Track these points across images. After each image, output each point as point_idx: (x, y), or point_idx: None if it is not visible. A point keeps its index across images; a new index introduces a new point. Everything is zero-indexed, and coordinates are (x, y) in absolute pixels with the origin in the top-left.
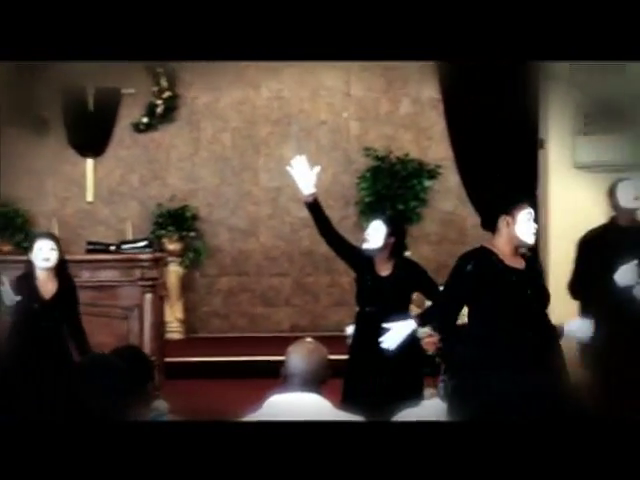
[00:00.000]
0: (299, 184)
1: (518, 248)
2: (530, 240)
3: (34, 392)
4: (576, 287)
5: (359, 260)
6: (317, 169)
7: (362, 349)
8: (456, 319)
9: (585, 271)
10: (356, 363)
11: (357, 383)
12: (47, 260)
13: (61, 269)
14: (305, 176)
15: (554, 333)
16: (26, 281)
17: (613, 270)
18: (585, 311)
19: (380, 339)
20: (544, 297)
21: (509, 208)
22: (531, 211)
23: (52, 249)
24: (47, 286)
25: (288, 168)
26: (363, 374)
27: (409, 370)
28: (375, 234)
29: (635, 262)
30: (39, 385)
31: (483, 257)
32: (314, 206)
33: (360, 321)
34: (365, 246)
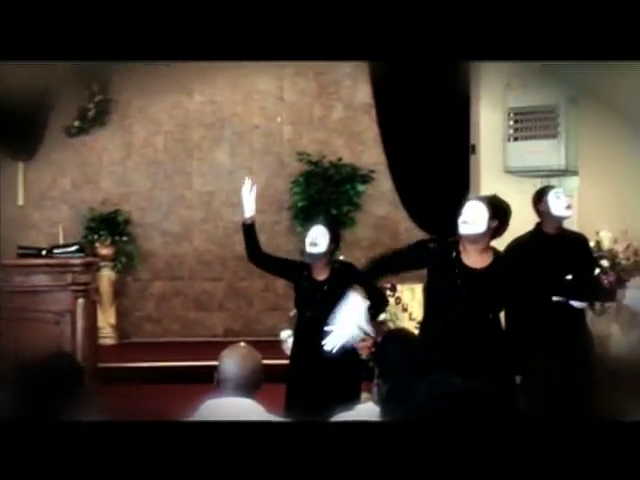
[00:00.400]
0: (244, 205)
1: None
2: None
3: None
4: None
5: (293, 269)
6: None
7: (303, 354)
8: (385, 273)
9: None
10: (297, 368)
11: (298, 388)
12: None
13: None
14: (249, 199)
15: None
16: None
17: (541, 278)
18: (510, 319)
19: (323, 342)
20: (484, 304)
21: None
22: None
23: None
24: None
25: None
26: (303, 379)
27: (347, 375)
28: (322, 239)
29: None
30: None
31: (447, 247)
32: (250, 229)
33: (300, 326)
34: (314, 251)
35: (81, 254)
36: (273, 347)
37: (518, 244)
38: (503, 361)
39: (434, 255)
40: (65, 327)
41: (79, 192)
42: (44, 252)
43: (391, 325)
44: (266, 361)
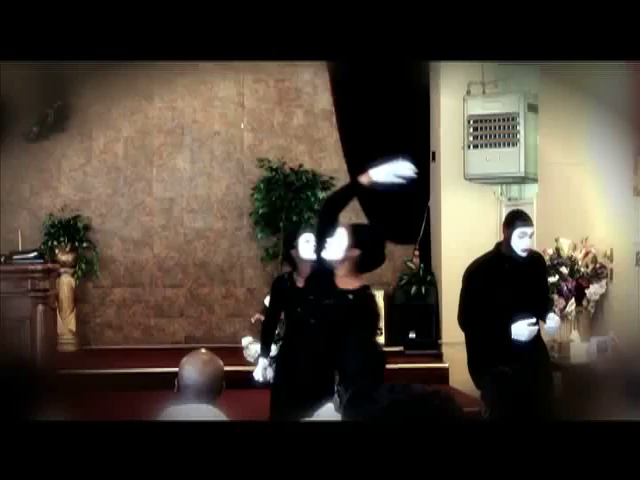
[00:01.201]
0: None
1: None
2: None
3: None
4: (463, 319)
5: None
6: None
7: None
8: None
9: (471, 303)
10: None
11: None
12: None
13: None
14: None
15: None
16: None
17: (498, 300)
18: (471, 341)
19: None
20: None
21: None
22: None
23: None
24: None
25: None
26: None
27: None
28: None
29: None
30: None
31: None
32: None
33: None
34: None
35: (40, 260)
36: (234, 354)
37: (474, 267)
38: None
39: None
40: (24, 334)
41: (38, 198)
42: (3, 259)
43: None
44: (227, 367)
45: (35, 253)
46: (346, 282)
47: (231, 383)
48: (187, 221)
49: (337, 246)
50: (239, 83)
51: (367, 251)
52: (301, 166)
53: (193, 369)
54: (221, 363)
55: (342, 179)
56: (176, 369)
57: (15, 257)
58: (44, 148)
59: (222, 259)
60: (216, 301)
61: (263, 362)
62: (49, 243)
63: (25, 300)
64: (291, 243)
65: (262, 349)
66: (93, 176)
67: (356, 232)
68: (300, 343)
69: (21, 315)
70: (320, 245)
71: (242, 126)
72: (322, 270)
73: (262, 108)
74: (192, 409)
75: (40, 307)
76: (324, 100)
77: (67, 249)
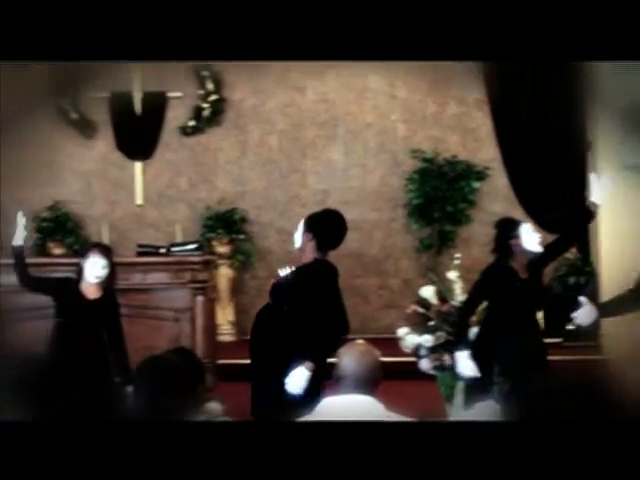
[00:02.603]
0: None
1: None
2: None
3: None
4: None
5: None
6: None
7: None
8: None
9: None
10: None
11: None
12: (98, 278)
13: (108, 279)
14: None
15: None
16: (71, 283)
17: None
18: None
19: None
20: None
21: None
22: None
23: (103, 267)
24: (90, 289)
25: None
26: None
27: None
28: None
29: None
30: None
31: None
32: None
33: None
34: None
35: (199, 252)
36: (390, 344)
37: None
38: None
39: None
40: (185, 324)
41: (195, 191)
42: (163, 250)
43: None
44: (383, 358)
45: (194, 245)
46: None
47: (387, 374)
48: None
49: (297, 236)
50: (391, 74)
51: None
52: (455, 156)
53: (351, 360)
54: (378, 354)
55: (497, 169)
56: (333, 360)
57: (174, 249)
58: (200, 142)
59: (377, 250)
60: (371, 292)
61: (465, 354)
62: (207, 235)
63: (185, 291)
64: (510, 233)
65: (461, 339)
66: (249, 169)
67: (307, 220)
68: (528, 334)
69: (181, 306)
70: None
71: (394, 117)
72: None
73: (414, 99)
74: (350, 400)
75: (199, 298)
76: (476, 90)
77: (224, 241)
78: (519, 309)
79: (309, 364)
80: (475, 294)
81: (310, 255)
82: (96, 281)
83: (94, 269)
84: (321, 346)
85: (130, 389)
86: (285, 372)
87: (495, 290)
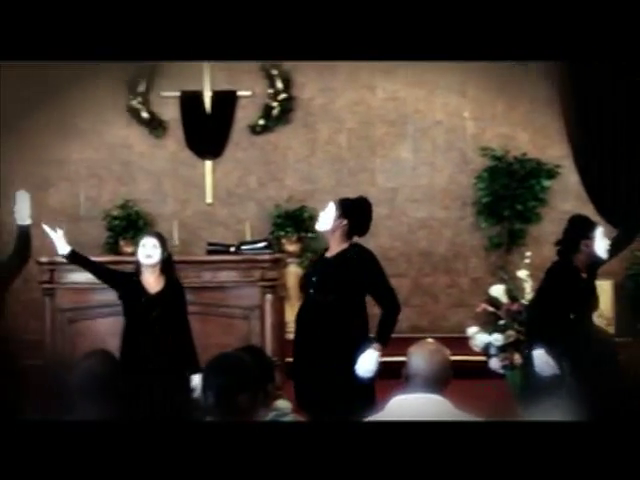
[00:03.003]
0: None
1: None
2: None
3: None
4: None
5: None
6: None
7: None
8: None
9: None
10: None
11: None
12: (149, 257)
13: (167, 267)
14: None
15: None
16: (132, 277)
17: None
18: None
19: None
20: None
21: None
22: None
23: (154, 246)
24: (152, 282)
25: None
26: None
27: None
28: (325, 216)
29: None
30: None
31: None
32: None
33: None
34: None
35: (269, 250)
36: (460, 343)
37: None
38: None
39: None
40: (254, 322)
41: (265, 189)
42: (232, 249)
43: None
44: (453, 357)
45: (264, 243)
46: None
47: (457, 373)
48: (410, 211)
49: (326, 218)
50: (461, 72)
51: (354, 220)
52: (525, 154)
53: (420, 359)
54: (448, 352)
55: (567, 167)
56: (401, 358)
57: (244, 247)
58: (269, 141)
59: (446, 248)
60: (440, 291)
61: (542, 352)
62: (276, 233)
63: (255, 289)
64: (584, 232)
65: (534, 338)
66: (318, 167)
67: (342, 204)
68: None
69: (251, 304)
70: None
71: (465, 115)
72: None
73: (484, 96)
74: (419, 399)
75: (269, 296)
76: (546, 87)
77: (293, 239)
78: (582, 308)
79: (377, 345)
80: (542, 294)
81: (342, 239)
82: (148, 261)
83: (145, 250)
84: (384, 326)
85: (198, 383)
86: (346, 361)
87: (561, 289)
